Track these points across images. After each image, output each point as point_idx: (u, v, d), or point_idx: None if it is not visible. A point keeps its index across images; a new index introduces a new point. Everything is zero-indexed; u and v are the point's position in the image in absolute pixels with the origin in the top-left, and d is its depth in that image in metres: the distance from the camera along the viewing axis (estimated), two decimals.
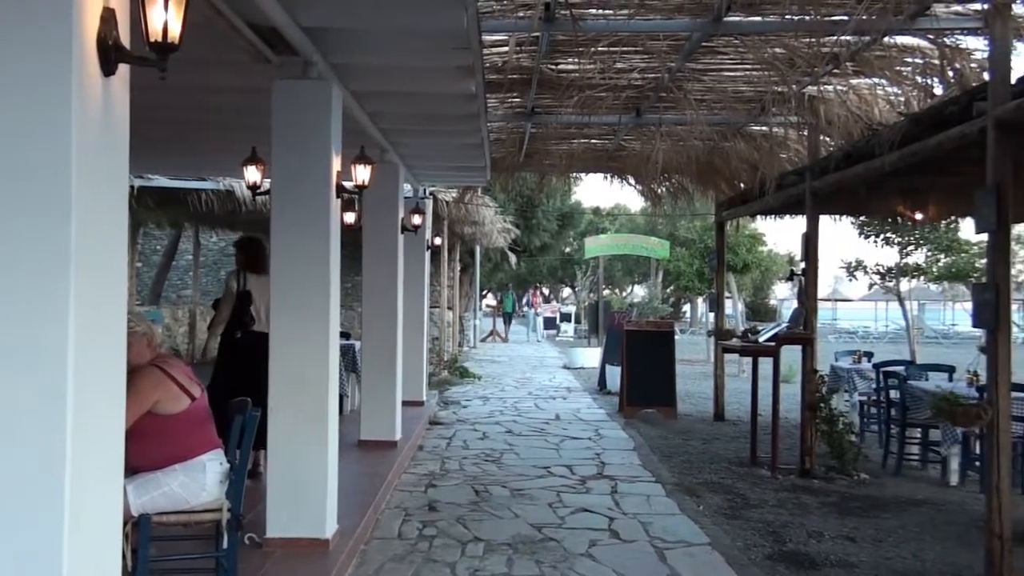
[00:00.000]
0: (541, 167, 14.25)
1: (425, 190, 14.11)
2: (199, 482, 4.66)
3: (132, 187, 13.29)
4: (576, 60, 8.14)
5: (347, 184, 6.66)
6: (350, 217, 10.48)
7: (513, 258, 28.59)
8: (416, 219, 11.35)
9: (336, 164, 6.14)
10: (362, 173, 7.18)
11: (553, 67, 8.45)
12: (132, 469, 4.54)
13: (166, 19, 2.90)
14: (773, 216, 13.77)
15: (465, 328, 28.46)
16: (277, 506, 6.02)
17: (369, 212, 9.80)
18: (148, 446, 4.53)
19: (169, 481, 4.59)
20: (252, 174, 7.14)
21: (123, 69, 2.91)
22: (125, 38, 2.89)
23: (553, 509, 7.87)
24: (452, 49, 5.99)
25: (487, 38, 7.16)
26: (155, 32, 2.91)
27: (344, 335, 12.63)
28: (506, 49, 7.76)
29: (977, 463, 8.69)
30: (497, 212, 22.23)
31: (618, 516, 7.68)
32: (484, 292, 42.37)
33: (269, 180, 6.20)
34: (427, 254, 13.71)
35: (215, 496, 4.70)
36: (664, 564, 6.36)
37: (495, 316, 37.89)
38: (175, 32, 2.93)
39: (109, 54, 2.78)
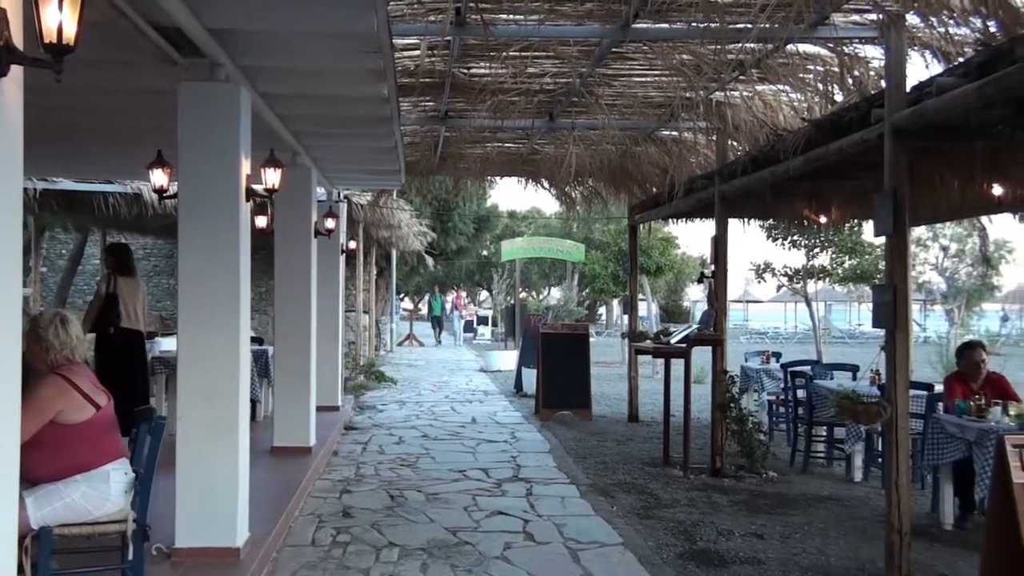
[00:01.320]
0: (456, 170, 14.26)
1: (339, 193, 14.00)
2: (103, 492, 4.56)
3: (34, 190, 12.89)
4: (488, 64, 8.17)
5: (257, 188, 6.58)
6: (262, 221, 10.36)
7: (430, 261, 28.48)
8: (330, 223, 11.26)
9: (246, 167, 6.05)
10: (272, 176, 7.09)
11: (466, 71, 8.47)
12: (33, 480, 4.42)
13: (61, 20, 2.83)
14: (684, 219, 14.02)
15: (382, 332, 28.28)
16: (186, 515, 5.90)
17: (281, 216, 9.68)
18: (49, 456, 4.42)
19: (70, 492, 4.47)
20: (158, 177, 6.99)
21: (16, 71, 2.82)
22: (19, 39, 2.81)
23: (468, 513, 7.88)
24: (363, 52, 5.96)
25: (398, 41, 7.15)
26: (49, 33, 2.84)
27: (257, 340, 12.46)
28: (418, 53, 7.75)
29: (879, 459, 8.95)
30: (413, 215, 22.14)
31: (533, 518, 7.72)
32: (401, 296, 42.13)
33: (176, 183, 6.09)
34: (342, 258, 13.59)
35: (120, 506, 4.60)
36: (578, 565, 6.42)
37: (412, 320, 37.76)
38: (70, 33, 2.86)
39: (0, 56, 2.70)
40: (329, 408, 12.34)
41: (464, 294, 39.49)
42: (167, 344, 10.96)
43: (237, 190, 5.93)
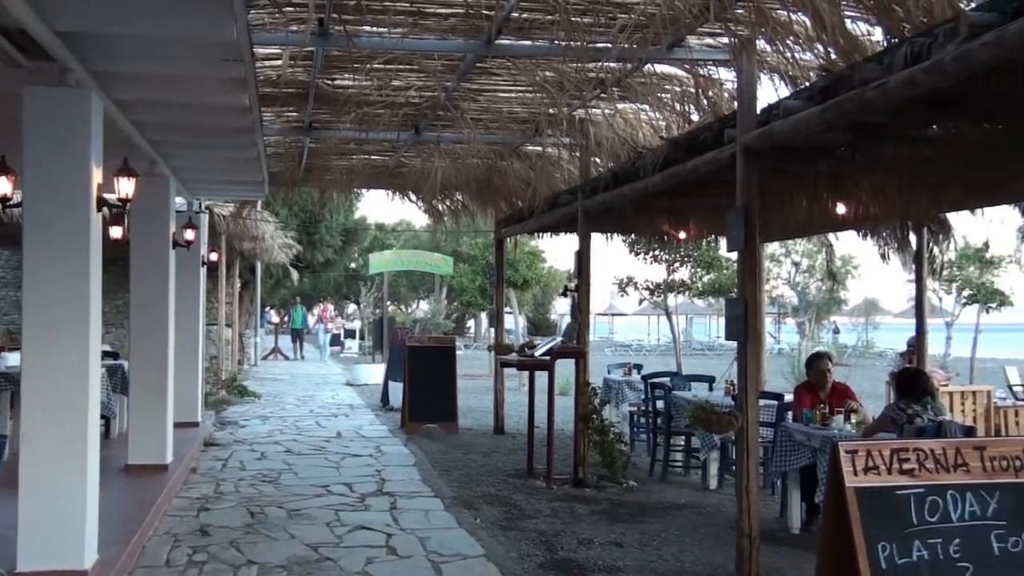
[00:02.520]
0: (322, 182, 14.12)
1: (200, 204, 13.64)
2: None
3: None
4: (353, 76, 8.14)
5: (111, 197, 6.36)
6: (117, 232, 9.99)
7: (295, 274, 28.03)
8: (189, 234, 10.95)
9: (97, 176, 5.86)
10: (126, 186, 6.87)
11: (330, 82, 8.41)
12: None
13: None
14: (550, 233, 14.25)
15: (245, 346, 27.63)
16: (30, 537, 5.65)
17: (137, 226, 9.38)
18: None
19: None
20: (1, 185, 6.66)
21: None
22: None
23: (331, 528, 7.79)
24: (223, 60, 5.86)
25: (260, 50, 7.04)
26: None
27: (112, 355, 12.02)
28: (280, 62, 7.65)
29: (733, 467, 9.26)
30: (278, 227, 21.76)
31: (396, 532, 7.69)
32: (267, 308, 41.26)
33: (21, 191, 5.83)
34: (202, 270, 13.26)
35: None
36: None
37: (278, 333, 36.93)
38: None
39: None
40: (188, 424, 11.99)
41: (331, 307, 38.36)
42: (14, 359, 10.46)
43: (87, 199, 5.73)
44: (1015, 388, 17.58)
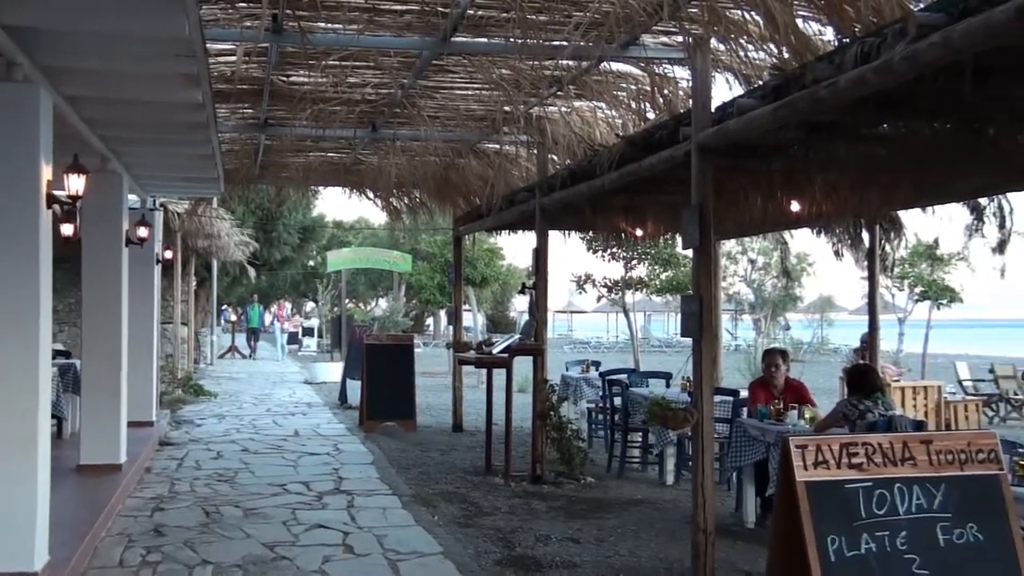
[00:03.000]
0: (278, 179, 14.03)
1: (155, 201, 13.48)
2: None
3: None
4: (308, 73, 8.09)
5: (60, 194, 6.27)
6: (68, 229, 9.84)
7: (252, 272, 27.77)
8: (143, 231, 10.81)
9: (47, 173, 5.77)
10: (76, 183, 6.77)
11: (285, 79, 8.36)
12: None
13: None
14: (508, 231, 14.25)
15: (202, 344, 27.34)
16: None
17: (89, 224, 9.23)
18: None
19: None
20: None
21: None
22: None
23: (287, 527, 7.74)
24: (175, 56, 5.79)
25: (213, 46, 6.99)
26: None
27: (64, 354, 11.85)
28: (234, 59, 7.59)
29: (690, 463, 9.33)
30: (234, 225, 21.56)
31: (353, 531, 7.65)
32: (224, 307, 40.85)
33: None
34: (157, 268, 13.10)
35: None
36: None
37: (234, 331, 36.55)
38: None
39: None
40: (143, 423, 11.84)
41: (288, 305, 37.74)
42: None
43: (36, 196, 5.64)
44: (965, 383, 17.94)
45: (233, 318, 39.43)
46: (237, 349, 33.12)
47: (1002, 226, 9.31)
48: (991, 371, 17.92)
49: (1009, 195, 8.98)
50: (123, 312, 9.49)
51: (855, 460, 3.47)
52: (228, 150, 11.20)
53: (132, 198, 11.53)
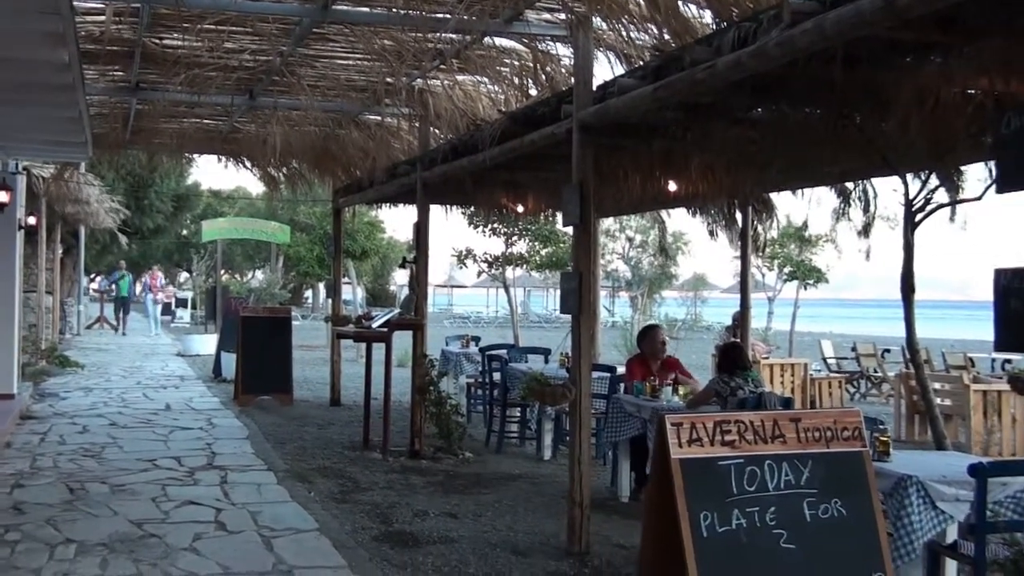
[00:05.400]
0: (151, 145, 13.56)
1: (17, 165, 12.83)
2: None
3: None
4: (182, 36, 7.79)
5: None
6: None
7: (124, 240, 26.74)
8: (3, 196, 10.27)
9: None
10: None
11: (158, 41, 8.03)
12: None
13: None
14: (389, 204, 14.11)
15: (68, 314, 26.25)
16: None
17: None
18: None
19: None
20: None
21: None
22: None
23: (157, 504, 7.51)
24: (38, 13, 5.47)
25: (81, 4, 6.65)
26: None
27: None
28: (103, 18, 7.24)
29: (567, 438, 9.44)
30: (104, 191, 20.72)
31: (226, 507, 7.48)
32: (92, 276, 39.29)
33: None
34: (19, 234, 12.49)
35: None
36: (271, 553, 6.29)
37: (102, 301, 35.15)
38: None
39: None
40: (3, 396, 11.33)
41: (160, 275, 36.08)
42: None
43: None
44: (829, 361, 18.69)
45: (95, 287, 37.81)
46: (106, 320, 31.86)
47: (866, 210, 9.67)
48: (853, 349, 18.70)
49: (873, 180, 9.34)
50: None
51: (728, 437, 3.56)
52: (97, 113, 10.72)
53: None
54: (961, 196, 7.75)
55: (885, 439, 5.42)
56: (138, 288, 35.14)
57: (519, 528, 7.16)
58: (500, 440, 10.45)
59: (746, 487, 3.54)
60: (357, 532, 6.92)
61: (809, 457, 3.65)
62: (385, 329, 10.26)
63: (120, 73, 9.29)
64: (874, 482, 3.82)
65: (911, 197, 7.09)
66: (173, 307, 37.72)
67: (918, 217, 7.12)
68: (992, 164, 7.62)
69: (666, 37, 5.92)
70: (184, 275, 48.53)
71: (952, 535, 5.19)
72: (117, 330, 29.08)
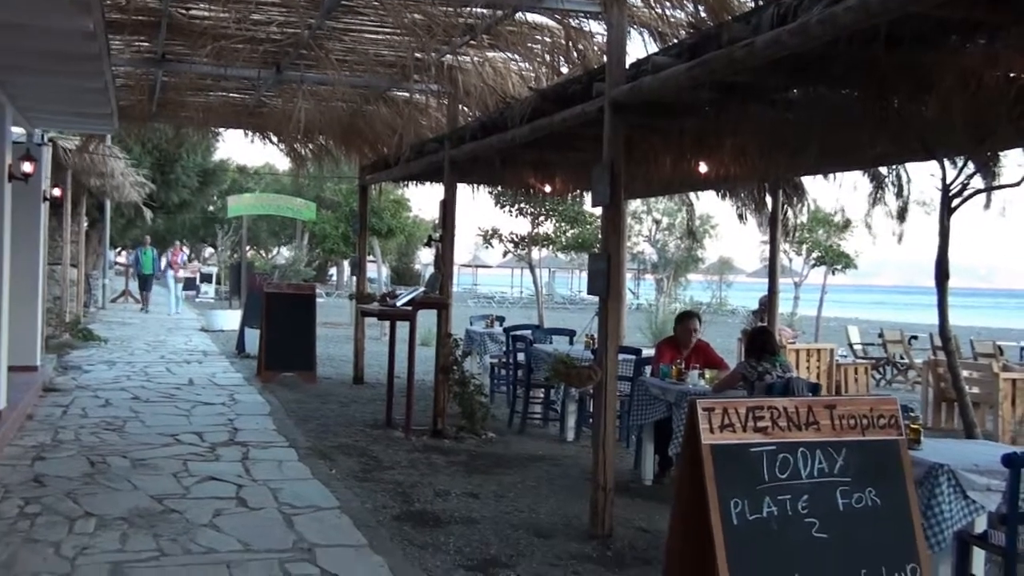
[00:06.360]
0: (177, 119, 13.54)
1: (43, 135, 12.86)
2: None
3: None
4: (209, 6, 7.72)
5: None
6: None
7: (149, 214, 26.83)
8: (27, 166, 10.25)
9: None
10: None
11: (184, 11, 7.96)
12: None
13: None
14: (416, 182, 14.04)
15: (93, 287, 26.40)
16: None
17: None
18: None
19: None
20: None
21: None
22: None
23: (178, 479, 7.51)
24: None
25: None
26: None
27: None
28: None
29: (591, 420, 9.38)
30: (130, 164, 20.75)
31: (247, 483, 7.47)
32: (119, 249, 39.48)
33: None
34: (44, 206, 12.53)
35: None
36: (291, 530, 6.26)
37: (128, 275, 35.29)
38: None
39: None
40: (26, 368, 11.36)
41: (184, 250, 35.73)
42: None
43: None
44: (855, 347, 18.52)
45: (122, 261, 37.87)
46: (131, 293, 32.00)
47: (899, 194, 9.51)
48: (880, 335, 18.52)
49: (907, 165, 9.18)
50: (4, 249, 9.01)
51: (760, 424, 3.47)
52: (123, 85, 10.69)
53: (18, 131, 10.95)
54: (998, 182, 7.59)
55: (916, 427, 5.31)
56: (163, 263, 34.90)
57: (541, 509, 7.10)
58: (523, 421, 10.41)
59: (778, 474, 3.45)
60: (378, 511, 6.89)
61: (843, 445, 3.56)
62: (409, 308, 10.21)
63: (146, 44, 9.24)
64: (910, 472, 3.72)
65: (948, 182, 6.93)
66: (198, 282, 37.88)
67: (955, 203, 6.97)
68: None
69: (702, 14, 5.79)
70: (209, 250, 48.76)
71: (981, 525, 5.10)
72: (141, 308, 28.55)
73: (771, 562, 3.40)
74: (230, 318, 21.85)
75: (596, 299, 6.67)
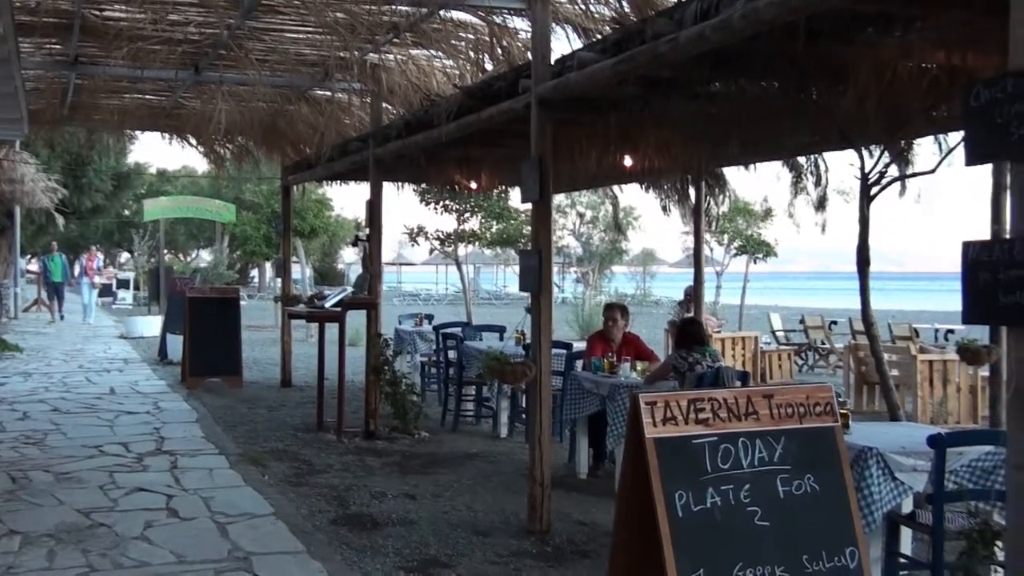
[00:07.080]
0: (90, 122, 13.19)
1: None
2: None
3: None
4: (124, 8, 7.53)
5: None
6: None
7: (61, 220, 26.06)
8: None
9: None
10: None
11: (98, 13, 7.75)
12: None
13: None
14: (340, 182, 13.91)
15: (4, 297, 25.56)
16: None
17: None
18: None
19: None
20: None
21: None
22: None
23: (105, 492, 7.31)
24: None
25: None
26: None
27: None
28: None
29: (523, 415, 9.41)
30: (40, 169, 20.17)
31: (178, 493, 7.31)
32: (29, 257, 38.34)
33: None
34: None
35: None
36: (226, 539, 6.15)
37: (39, 284, 34.20)
38: None
39: None
40: None
41: (99, 256, 34.61)
42: None
43: None
44: (778, 334, 18.90)
45: (33, 269, 36.72)
46: (44, 302, 31.02)
47: (817, 183, 9.73)
48: (801, 322, 18.92)
49: (825, 155, 9.39)
50: None
51: (702, 415, 3.51)
52: (33, 88, 10.38)
53: None
54: (912, 170, 7.82)
55: (844, 412, 5.44)
56: (75, 270, 33.81)
57: (478, 507, 7.10)
58: (456, 419, 10.39)
59: (720, 465, 3.50)
60: (314, 516, 6.81)
61: (782, 433, 3.63)
62: (339, 309, 10.11)
63: (58, 46, 8.99)
64: (846, 457, 3.81)
65: (867, 171, 7.12)
66: (114, 288, 36.96)
67: (874, 190, 7.16)
68: (944, 138, 7.75)
69: (626, 10, 5.84)
70: (125, 255, 47.63)
71: (908, 506, 5.25)
72: (53, 319, 27.31)
73: (716, 552, 3.45)
74: (150, 324, 21.40)
75: (522, 294, 6.69)
